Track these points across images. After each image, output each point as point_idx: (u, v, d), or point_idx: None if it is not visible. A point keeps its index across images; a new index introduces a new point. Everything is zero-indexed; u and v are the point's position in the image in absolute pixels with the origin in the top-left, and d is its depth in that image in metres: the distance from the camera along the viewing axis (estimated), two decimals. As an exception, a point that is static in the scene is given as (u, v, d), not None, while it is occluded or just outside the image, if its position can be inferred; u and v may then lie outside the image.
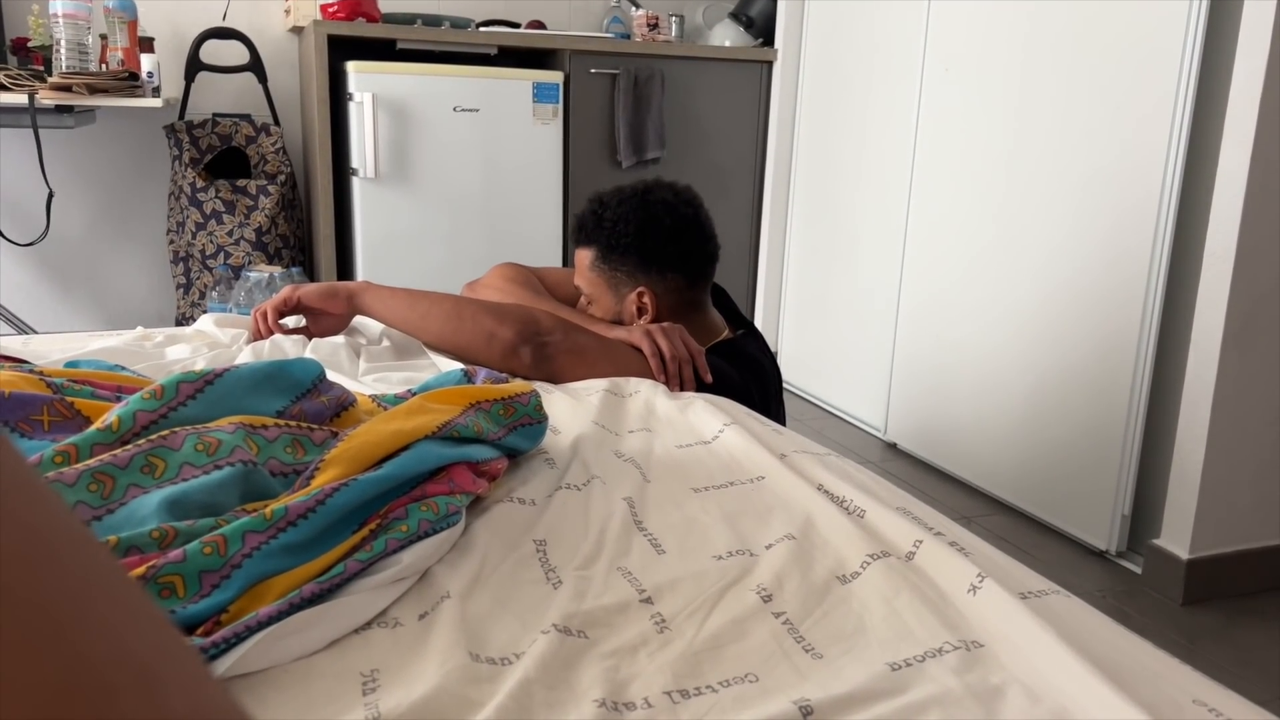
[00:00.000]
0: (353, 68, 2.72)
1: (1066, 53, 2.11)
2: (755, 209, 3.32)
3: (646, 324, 1.36)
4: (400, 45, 2.86)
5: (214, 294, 2.80)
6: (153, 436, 0.76)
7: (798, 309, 3.27)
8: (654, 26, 3.23)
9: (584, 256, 1.46)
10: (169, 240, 2.97)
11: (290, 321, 1.45)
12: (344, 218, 2.90)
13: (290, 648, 0.62)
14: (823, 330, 3.12)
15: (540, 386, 1.20)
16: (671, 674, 0.63)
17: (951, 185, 2.46)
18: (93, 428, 0.78)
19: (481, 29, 3.01)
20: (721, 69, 3.17)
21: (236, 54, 2.99)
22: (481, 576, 0.74)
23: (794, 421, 1.55)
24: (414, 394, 0.96)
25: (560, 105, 2.94)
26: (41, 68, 2.62)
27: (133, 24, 2.64)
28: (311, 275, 3.11)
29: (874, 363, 2.80)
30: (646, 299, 1.42)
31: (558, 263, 3.00)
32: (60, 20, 2.48)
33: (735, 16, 3.34)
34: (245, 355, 1.29)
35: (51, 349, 1.30)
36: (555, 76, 2.93)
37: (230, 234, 2.87)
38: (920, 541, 0.79)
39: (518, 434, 0.94)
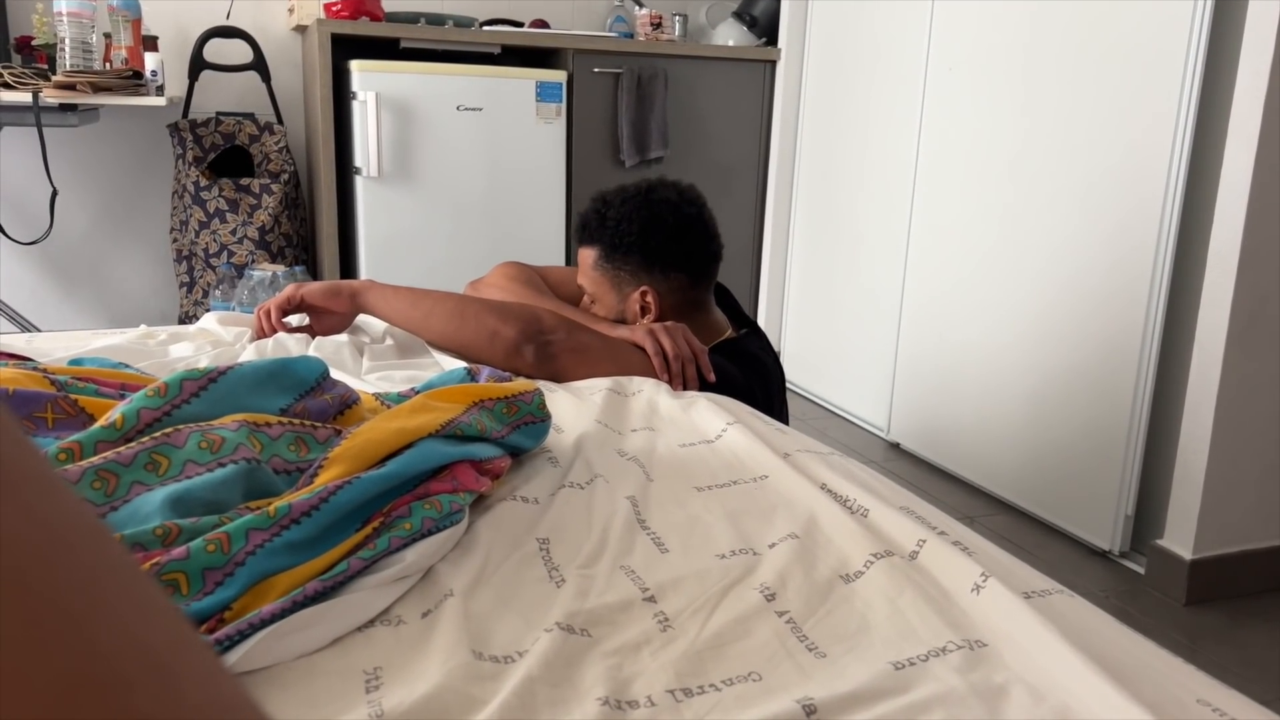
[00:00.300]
0: (356, 67, 2.72)
1: (1070, 53, 2.10)
2: (758, 208, 3.32)
3: (649, 323, 1.36)
4: (403, 44, 2.86)
5: (217, 292, 2.80)
6: (156, 434, 0.76)
7: (801, 308, 3.27)
8: (657, 26, 3.23)
9: (587, 255, 1.46)
10: (172, 239, 2.98)
11: (293, 320, 1.45)
12: (347, 217, 2.91)
13: (293, 645, 0.62)
14: (826, 330, 3.12)
15: (543, 385, 1.20)
16: (674, 672, 0.62)
17: (955, 185, 2.46)
18: (96, 425, 0.78)
19: (485, 28, 3.01)
20: (725, 68, 3.16)
21: (240, 53, 2.99)
22: (484, 575, 0.74)
23: (797, 421, 1.55)
24: (417, 392, 0.96)
25: (563, 104, 2.94)
26: (46, 66, 2.62)
27: (137, 23, 2.64)
28: (314, 274, 3.11)
29: (877, 362, 2.80)
30: (649, 298, 1.42)
31: (561, 261, 2.99)
32: (64, 19, 2.48)
33: (739, 16, 3.33)
34: (248, 353, 1.29)
35: (55, 347, 1.30)
36: (558, 76, 2.93)
37: (233, 232, 2.87)
38: (924, 541, 0.78)
39: (521, 432, 0.94)
